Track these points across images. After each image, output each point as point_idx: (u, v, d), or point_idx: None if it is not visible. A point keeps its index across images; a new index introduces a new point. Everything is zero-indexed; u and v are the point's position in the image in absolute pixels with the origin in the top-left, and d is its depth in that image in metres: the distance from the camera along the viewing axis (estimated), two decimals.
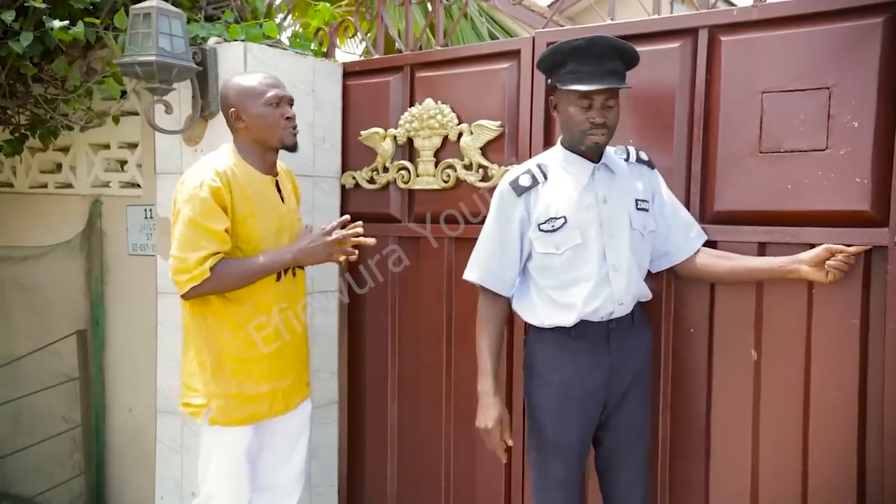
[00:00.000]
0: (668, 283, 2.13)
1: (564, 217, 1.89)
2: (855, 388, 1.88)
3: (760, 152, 1.96)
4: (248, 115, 2.00)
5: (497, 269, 1.98)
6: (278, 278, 2.06)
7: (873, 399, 1.86)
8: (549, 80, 1.92)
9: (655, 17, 2.16)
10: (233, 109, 2.02)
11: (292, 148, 2.07)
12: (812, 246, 1.87)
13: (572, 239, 1.88)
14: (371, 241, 2.05)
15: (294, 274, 2.12)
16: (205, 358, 1.99)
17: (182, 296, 1.94)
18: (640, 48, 2.10)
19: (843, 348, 1.89)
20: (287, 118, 2.03)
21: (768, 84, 1.94)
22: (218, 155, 2.03)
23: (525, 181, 1.93)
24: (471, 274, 2.03)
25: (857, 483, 1.89)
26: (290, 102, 2.06)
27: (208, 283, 1.91)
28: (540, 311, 1.95)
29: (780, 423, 1.98)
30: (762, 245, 1.98)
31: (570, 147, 1.93)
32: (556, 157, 1.97)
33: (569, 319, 1.90)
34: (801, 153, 1.90)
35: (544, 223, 1.90)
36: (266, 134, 2.01)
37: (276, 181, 2.10)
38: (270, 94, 2.01)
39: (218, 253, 1.91)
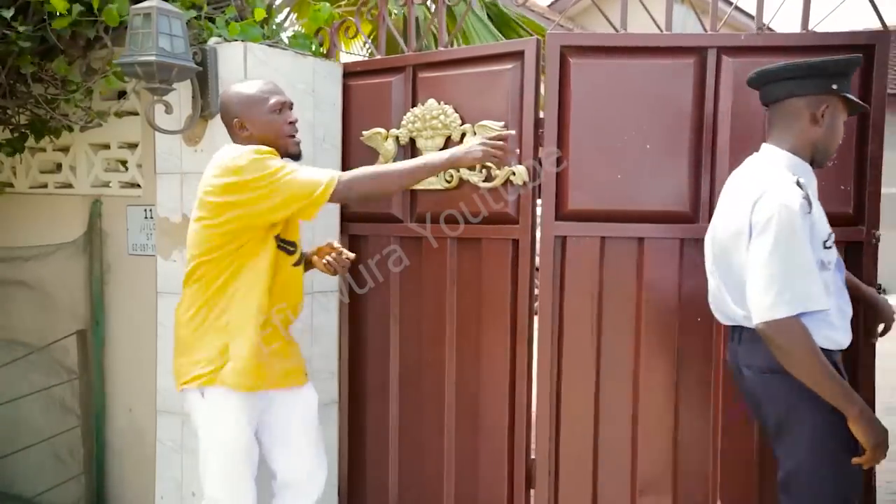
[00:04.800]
0: (678, 280, 2.26)
1: (831, 234, 1.80)
2: None
3: None
4: (253, 124, 2.02)
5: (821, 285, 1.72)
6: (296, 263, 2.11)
7: None
8: (836, 86, 1.78)
9: (667, 33, 2.28)
10: (236, 119, 2.03)
11: (296, 157, 2.09)
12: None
13: (835, 254, 1.81)
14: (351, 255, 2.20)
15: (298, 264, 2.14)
16: (223, 323, 1.97)
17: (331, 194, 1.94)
18: (651, 61, 2.27)
19: None
20: (290, 123, 2.06)
21: None
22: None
23: (808, 200, 1.73)
24: (798, 305, 1.67)
25: None
26: (291, 107, 2.09)
27: (359, 182, 2.01)
28: (840, 331, 1.79)
29: None
30: None
31: (814, 160, 1.84)
32: (796, 170, 1.80)
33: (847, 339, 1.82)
34: None
35: (827, 240, 1.77)
36: (271, 142, 2.02)
37: None
38: (273, 100, 2.03)
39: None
